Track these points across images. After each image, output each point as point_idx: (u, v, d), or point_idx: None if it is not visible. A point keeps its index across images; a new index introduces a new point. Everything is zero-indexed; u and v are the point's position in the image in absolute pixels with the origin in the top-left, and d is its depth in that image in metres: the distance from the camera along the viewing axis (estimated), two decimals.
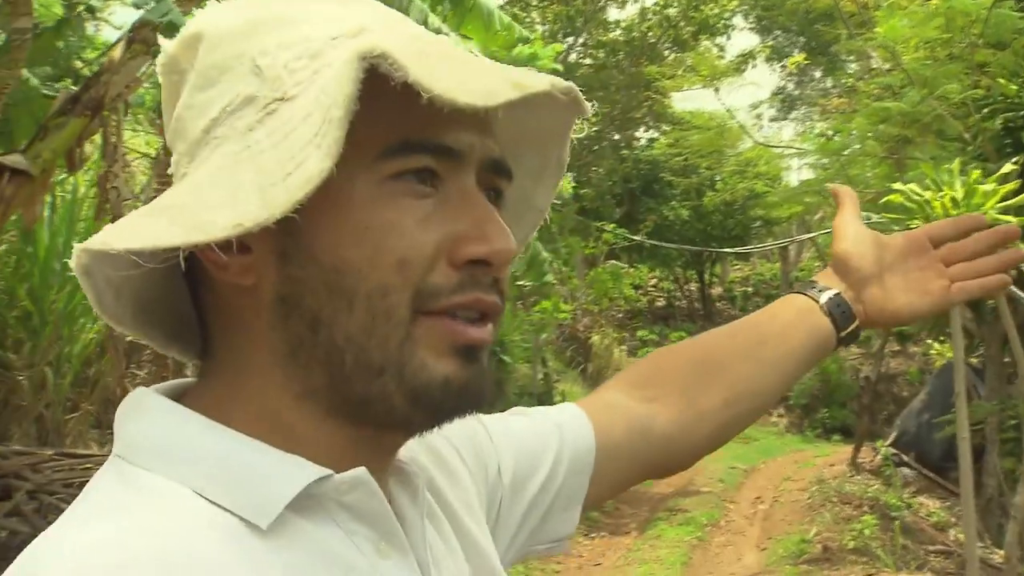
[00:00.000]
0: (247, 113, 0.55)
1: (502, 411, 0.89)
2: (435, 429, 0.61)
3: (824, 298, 0.94)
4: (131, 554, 0.48)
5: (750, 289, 26.74)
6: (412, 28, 0.61)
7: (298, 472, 0.55)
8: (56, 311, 5.39)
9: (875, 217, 10.31)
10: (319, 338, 0.57)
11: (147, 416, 0.58)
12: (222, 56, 0.57)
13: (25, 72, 3.95)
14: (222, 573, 0.50)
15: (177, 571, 0.48)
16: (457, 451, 0.77)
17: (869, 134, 8.06)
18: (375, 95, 0.52)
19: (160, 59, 0.62)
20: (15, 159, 3.74)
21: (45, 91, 4.46)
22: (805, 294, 0.96)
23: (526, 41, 8.88)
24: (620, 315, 23.36)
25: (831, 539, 8.11)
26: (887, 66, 8.38)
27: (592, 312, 17.23)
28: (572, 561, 8.25)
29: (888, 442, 10.74)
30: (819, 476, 11.31)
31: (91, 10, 4.89)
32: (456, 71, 0.54)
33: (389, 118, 0.54)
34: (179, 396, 0.60)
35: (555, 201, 0.76)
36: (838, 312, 0.94)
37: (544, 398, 11.72)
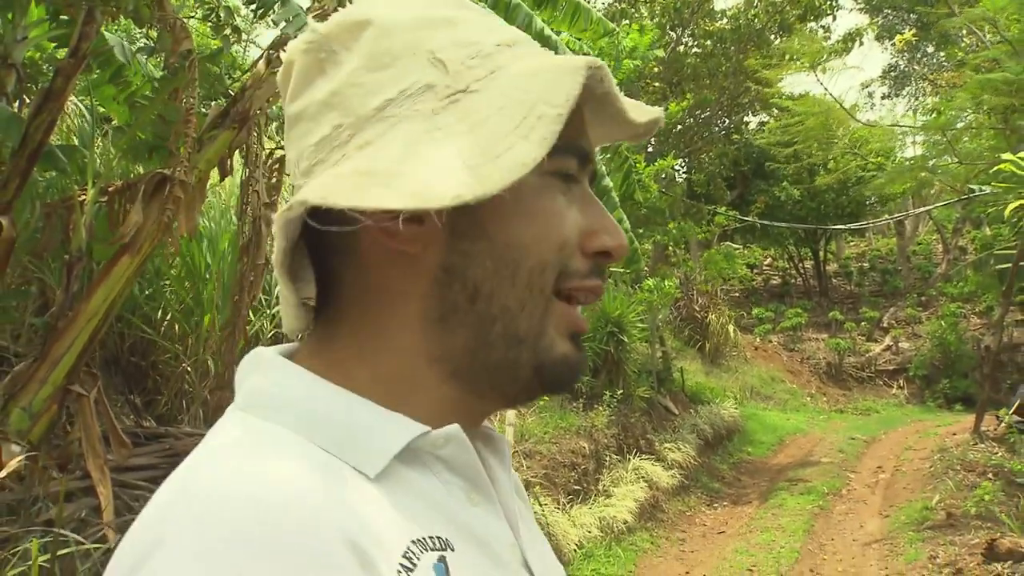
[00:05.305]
0: (427, 99, 0.59)
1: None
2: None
3: None
4: (264, 487, 0.51)
5: (866, 265, 26.36)
6: (536, 46, 0.66)
7: (401, 429, 0.59)
8: (215, 305, 5.69)
9: (988, 188, 10.15)
10: (476, 306, 0.60)
11: (266, 372, 0.61)
12: (393, 44, 0.60)
13: None
14: (346, 508, 0.52)
15: (305, 505, 0.50)
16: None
17: (978, 106, 8.05)
18: None
19: (306, 36, 0.63)
20: (176, 171, 3.97)
21: (201, 108, 4.60)
22: None
23: (611, 33, 9.08)
24: (736, 294, 23.38)
25: (954, 505, 8.05)
26: (996, 39, 8.31)
27: (707, 292, 17.42)
28: (696, 529, 8.47)
29: (1012, 410, 10.57)
30: (941, 445, 11.15)
31: (237, 31, 5.11)
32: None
33: None
34: (290, 357, 0.64)
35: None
36: None
37: (663, 375, 12.00)
